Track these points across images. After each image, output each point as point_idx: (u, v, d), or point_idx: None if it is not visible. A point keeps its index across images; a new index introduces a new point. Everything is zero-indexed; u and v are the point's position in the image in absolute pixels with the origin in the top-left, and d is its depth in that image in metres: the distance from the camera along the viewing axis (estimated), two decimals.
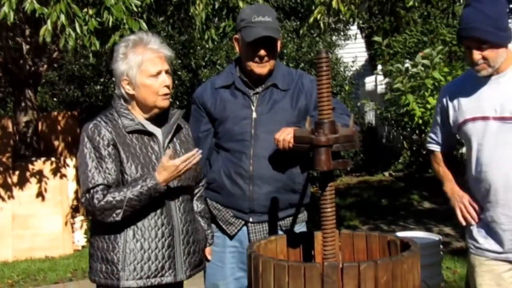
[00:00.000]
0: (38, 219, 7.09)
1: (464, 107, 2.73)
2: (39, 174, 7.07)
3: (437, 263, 4.34)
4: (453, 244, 6.42)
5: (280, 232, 2.92)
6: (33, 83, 7.60)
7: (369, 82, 13.20)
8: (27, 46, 7.43)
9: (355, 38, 13.43)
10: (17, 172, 7.08)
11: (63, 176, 7.21)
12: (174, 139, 2.68)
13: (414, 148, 10.90)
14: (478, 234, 2.73)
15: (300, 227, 3.02)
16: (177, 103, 9.16)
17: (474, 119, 2.69)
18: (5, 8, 4.49)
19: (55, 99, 11.43)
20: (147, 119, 2.64)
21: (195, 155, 2.51)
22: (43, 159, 7.20)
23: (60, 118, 8.60)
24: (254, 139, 2.89)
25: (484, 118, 2.66)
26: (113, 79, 2.77)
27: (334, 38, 12.04)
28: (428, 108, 7.29)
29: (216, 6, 6.21)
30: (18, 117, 7.50)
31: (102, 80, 10.23)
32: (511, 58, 2.65)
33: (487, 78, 2.67)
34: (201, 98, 3.03)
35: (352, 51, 13.42)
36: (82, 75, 10.50)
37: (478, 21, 2.54)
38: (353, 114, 2.75)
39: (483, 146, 2.66)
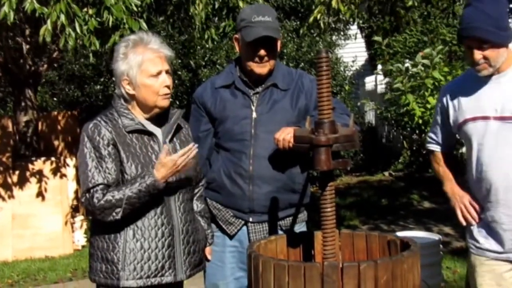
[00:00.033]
0: (38, 218, 7.09)
1: (465, 107, 2.73)
2: (39, 174, 7.07)
3: (437, 263, 4.35)
4: (453, 243, 6.42)
5: (280, 232, 2.92)
6: (33, 83, 7.60)
7: (369, 82, 13.20)
8: (27, 46, 7.43)
9: (355, 38, 13.43)
10: (17, 172, 7.08)
11: (63, 176, 7.21)
12: (174, 139, 2.68)
13: (414, 148, 10.90)
14: (479, 234, 2.73)
15: (300, 227, 3.02)
16: (177, 102, 9.15)
17: (474, 119, 2.68)
18: (5, 8, 4.49)
19: (55, 98, 11.42)
20: (147, 119, 2.64)
21: (191, 149, 2.51)
22: (43, 158, 7.20)
23: (60, 118, 8.61)
24: (254, 139, 2.89)
25: (485, 118, 2.66)
26: (113, 78, 2.77)
27: (334, 37, 12.04)
28: (428, 108, 7.29)
29: (216, 6, 6.21)
30: (18, 117, 7.50)
31: (102, 79, 10.23)
32: (511, 58, 2.65)
33: (488, 77, 2.66)
34: (201, 98, 3.03)
35: (352, 50, 13.41)
36: (82, 75, 10.50)
37: (479, 21, 2.53)
38: (353, 114, 2.75)
39: (484, 146, 2.65)
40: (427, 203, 8.66)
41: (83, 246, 7.30)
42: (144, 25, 4.87)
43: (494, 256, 2.69)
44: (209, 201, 2.99)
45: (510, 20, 2.67)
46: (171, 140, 2.66)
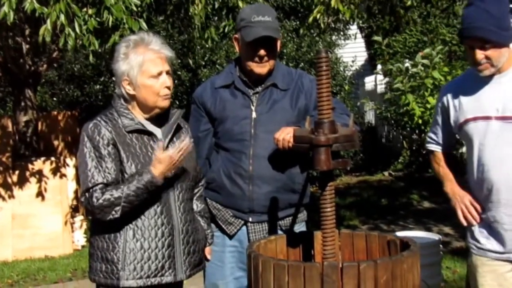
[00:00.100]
0: (38, 218, 7.09)
1: (465, 107, 2.72)
2: (39, 174, 7.07)
3: (436, 263, 4.34)
4: (452, 243, 6.42)
5: (279, 232, 2.92)
6: (32, 83, 7.60)
7: (369, 81, 13.21)
8: (27, 46, 7.43)
9: (355, 38, 13.44)
10: (17, 172, 7.08)
11: (63, 175, 7.21)
12: (174, 139, 2.68)
13: (414, 148, 10.91)
14: (480, 234, 2.72)
15: (300, 227, 3.02)
16: (177, 102, 9.16)
17: (475, 119, 2.68)
18: (5, 8, 4.49)
19: (54, 98, 11.43)
20: (147, 119, 2.64)
21: (187, 144, 2.51)
22: (43, 158, 7.20)
23: (59, 117, 8.61)
24: (253, 139, 2.89)
25: (486, 118, 2.65)
26: (113, 78, 2.77)
27: (333, 37, 12.04)
28: (428, 107, 7.30)
29: (216, 6, 6.21)
30: (18, 117, 7.50)
31: (102, 79, 10.23)
32: None
33: (489, 77, 2.65)
34: (200, 98, 3.03)
35: (352, 50, 13.42)
36: (82, 75, 10.51)
37: (481, 20, 2.52)
38: (353, 114, 2.75)
39: (485, 146, 2.64)
40: (427, 203, 8.67)
41: (83, 246, 7.30)
42: (144, 25, 4.87)
43: (495, 257, 2.68)
44: (208, 201, 2.99)
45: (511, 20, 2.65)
46: (171, 140, 2.66)
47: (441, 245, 4.42)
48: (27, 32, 7.36)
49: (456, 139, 2.99)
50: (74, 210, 7.47)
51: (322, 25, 5.73)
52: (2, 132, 7.27)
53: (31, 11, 4.56)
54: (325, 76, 2.17)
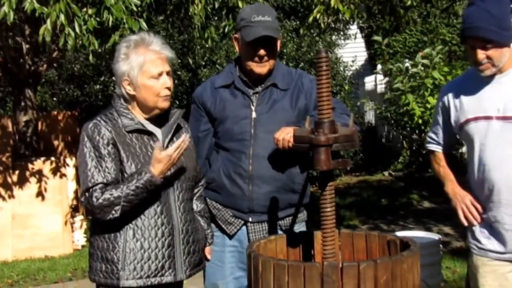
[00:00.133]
0: (38, 218, 7.09)
1: (466, 107, 2.71)
2: (39, 174, 7.07)
3: (436, 263, 4.35)
4: (452, 243, 6.42)
5: (279, 232, 2.92)
6: (32, 83, 7.60)
7: (369, 81, 13.21)
8: (27, 46, 7.43)
9: (355, 38, 13.44)
10: (17, 172, 7.08)
11: (63, 175, 7.21)
12: (174, 139, 2.68)
13: (414, 148, 10.91)
14: (481, 234, 2.71)
15: (300, 227, 3.02)
16: (177, 102, 9.17)
17: (476, 119, 2.67)
18: (5, 8, 4.49)
19: (54, 98, 11.43)
20: (147, 119, 2.64)
21: (185, 141, 2.51)
22: (42, 158, 7.20)
23: (59, 117, 8.61)
24: (253, 138, 2.89)
25: (487, 118, 2.64)
26: (113, 78, 2.77)
27: (333, 37, 12.04)
28: (428, 107, 7.30)
29: (216, 6, 6.21)
30: (18, 117, 7.50)
31: (102, 79, 10.24)
32: None
33: (490, 77, 2.64)
34: (200, 98, 3.03)
35: (352, 50, 13.43)
36: (81, 75, 10.51)
37: (482, 20, 2.51)
38: (353, 114, 2.75)
39: (486, 146, 2.64)
40: (427, 203, 8.67)
41: (83, 246, 7.30)
42: (144, 25, 4.87)
43: (496, 257, 2.67)
44: (208, 201, 2.99)
45: None
46: (171, 140, 2.66)
47: (441, 245, 4.42)
48: (27, 32, 7.36)
49: (456, 139, 2.99)
50: (74, 210, 7.47)
51: (322, 25, 5.73)
52: (2, 132, 7.27)
53: (31, 11, 4.57)
54: (325, 76, 2.17)
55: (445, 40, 11.22)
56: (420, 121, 7.40)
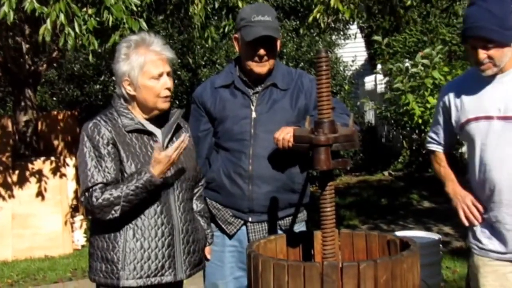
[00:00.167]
0: (38, 218, 7.10)
1: (467, 107, 2.70)
2: (39, 174, 7.07)
3: (436, 263, 4.35)
4: (452, 243, 6.42)
5: (279, 232, 2.92)
6: (32, 83, 7.60)
7: (369, 81, 13.21)
8: (27, 46, 7.43)
9: (355, 38, 13.43)
10: (16, 172, 7.08)
11: (62, 175, 7.21)
12: (174, 139, 2.68)
13: (414, 148, 10.92)
14: (482, 234, 2.70)
15: (300, 227, 3.02)
16: (177, 102, 9.17)
17: (477, 119, 2.66)
18: (5, 8, 4.49)
19: (54, 98, 11.43)
20: (147, 119, 2.64)
21: (184, 141, 2.51)
22: (42, 158, 7.20)
23: (59, 117, 8.61)
24: (253, 138, 2.89)
25: (488, 118, 2.63)
26: (113, 78, 2.77)
27: (333, 37, 12.04)
28: (427, 107, 7.29)
29: (216, 6, 6.21)
30: (18, 117, 7.50)
31: (101, 79, 10.24)
32: None
33: (491, 77, 2.63)
34: (200, 98, 3.03)
35: (352, 50, 13.42)
36: (81, 75, 10.51)
37: (484, 20, 2.51)
38: (353, 114, 2.75)
39: (487, 146, 2.63)
40: (427, 202, 8.67)
41: (82, 246, 7.30)
42: (144, 24, 4.87)
43: (497, 257, 2.66)
44: (208, 201, 2.99)
45: None
46: (170, 140, 2.66)
47: (441, 245, 4.42)
48: (27, 31, 7.36)
49: (457, 139, 2.98)
50: (74, 210, 7.47)
51: (322, 25, 5.73)
52: (2, 132, 7.27)
53: (31, 11, 4.56)
54: (325, 76, 2.17)
55: (445, 40, 11.22)
56: (420, 121, 7.40)
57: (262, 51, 2.84)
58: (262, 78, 2.93)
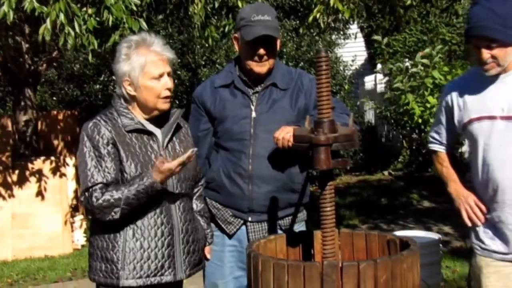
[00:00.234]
0: (38, 218, 7.10)
1: (470, 106, 2.68)
2: (39, 173, 7.07)
3: (436, 262, 4.35)
4: (452, 243, 6.42)
5: (279, 232, 2.92)
6: (32, 82, 7.60)
7: (369, 81, 13.21)
8: (27, 45, 7.43)
9: (355, 37, 13.43)
10: (16, 171, 7.08)
11: (62, 175, 7.21)
12: (174, 138, 2.68)
13: (414, 147, 10.92)
14: (485, 235, 2.69)
15: (300, 226, 3.02)
16: (177, 102, 9.16)
17: (479, 119, 2.64)
18: (5, 7, 4.48)
19: (54, 98, 11.43)
20: (147, 119, 2.64)
21: (190, 157, 2.50)
22: (42, 158, 7.20)
23: (59, 117, 8.61)
24: (253, 138, 2.89)
25: (491, 118, 2.61)
26: (113, 77, 2.77)
27: (333, 37, 12.04)
28: (427, 107, 7.30)
29: (216, 5, 6.21)
30: (18, 116, 7.50)
31: (101, 79, 10.23)
32: None
33: (494, 77, 2.62)
34: (200, 97, 3.03)
35: (352, 50, 13.41)
36: (81, 74, 10.51)
37: (487, 19, 2.49)
38: (353, 113, 2.75)
39: (490, 146, 2.61)
40: (427, 202, 8.67)
41: (82, 246, 7.30)
42: (144, 24, 4.87)
43: (500, 257, 2.65)
44: (208, 201, 2.99)
45: None
46: (170, 140, 2.66)
47: (440, 245, 4.43)
48: (26, 31, 7.36)
49: (458, 138, 2.97)
50: (74, 209, 7.47)
51: (321, 25, 5.73)
52: (2, 132, 7.27)
53: (30, 10, 4.56)
54: (325, 76, 2.17)
55: (445, 39, 11.23)
56: (420, 120, 7.41)
57: (262, 51, 2.84)
58: (262, 77, 2.93)
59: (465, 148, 9.04)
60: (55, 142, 8.44)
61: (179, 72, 9.06)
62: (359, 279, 2.07)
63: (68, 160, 7.49)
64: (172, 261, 2.59)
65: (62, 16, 4.51)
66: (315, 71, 2.22)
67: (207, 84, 3.08)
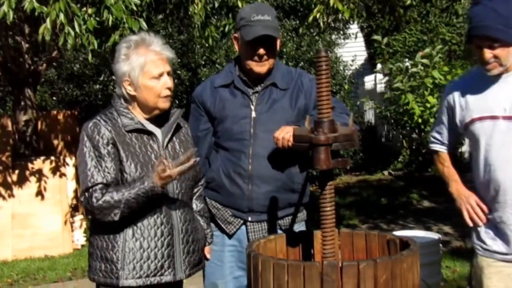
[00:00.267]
0: (38, 218, 7.10)
1: (472, 106, 2.68)
2: (39, 173, 7.07)
3: (436, 262, 4.35)
4: (452, 243, 6.42)
5: (279, 231, 2.92)
6: (32, 82, 7.60)
7: (369, 81, 13.21)
8: (27, 45, 7.43)
9: (356, 37, 13.43)
10: (16, 171, 7.08)
11: (62, 175, 7.22)
12: (174, 138, 2.68)
13: (414, 147, 10.92)
14: (486, 235, 2.68)
15: (300, 226, 3.02)
16: (177, 102, 9.16)
17: (481, 119, 2.64)
18: (5, 7, 4.49)
19: (54, 98, 11.43)
20: (147, 119, 2.64)
21: (192, 166, 2.47)
22: (42, 158, 7.21)
23: (59, 117, 8.61)
24: (253, 138, 2.89)
25: (493, 118, 2.61)
26: (113, 77, 2.77)
27: (333, 37, 12.04)
28: (427, 107, 7.31)
29: (216, 5, 6.21)
30: (18, 116, 7.50)
31: (101, 79, 10.23)
32: None
33: (496, 77, 2.61)
34: (200, 97, 3.03)
35: (352, 50, 13.41)
36: (81, 74, 10.51)
37: (489, 19, 2.49)
38: (353, 113, 2.74)
39: (492, 146, 2.61)
40: (427, 202, 8.67)
41: (82, 246, 7.31)
42: (144, 24, 4.87)
43: (501, 258, 2.65)
44: (208, 201, 2.99)
45: None
46: (170, 140, 2.66)
47: (440, 244, 4.42)
48: (26, 31, 7.36)
49: (459, 138, 2.96)
50: (74, 209, 7.48)
51: (321, 25, 5.73)
52: (2, 132, 7.27)
53: (30, 10, 4.56)
54: (325, 75, 2.16)
55: (445, 39, 11.23)
56: (419, 120, 7.42)
57: (261, 51, 2.84)
58: (262, 77, 2.92)
59: (465, 148, 9.04)
60: (55, 142, 8.44)
61: (179, 72, 9.06)
62: (359, 279, 2.07)
63: (68, 160, 7.50)
64: (172, 261, 2.59)
65: (62, 16, 4.51)
66: (315, 71, 2.22)
67: (207, 84, 3.08)
